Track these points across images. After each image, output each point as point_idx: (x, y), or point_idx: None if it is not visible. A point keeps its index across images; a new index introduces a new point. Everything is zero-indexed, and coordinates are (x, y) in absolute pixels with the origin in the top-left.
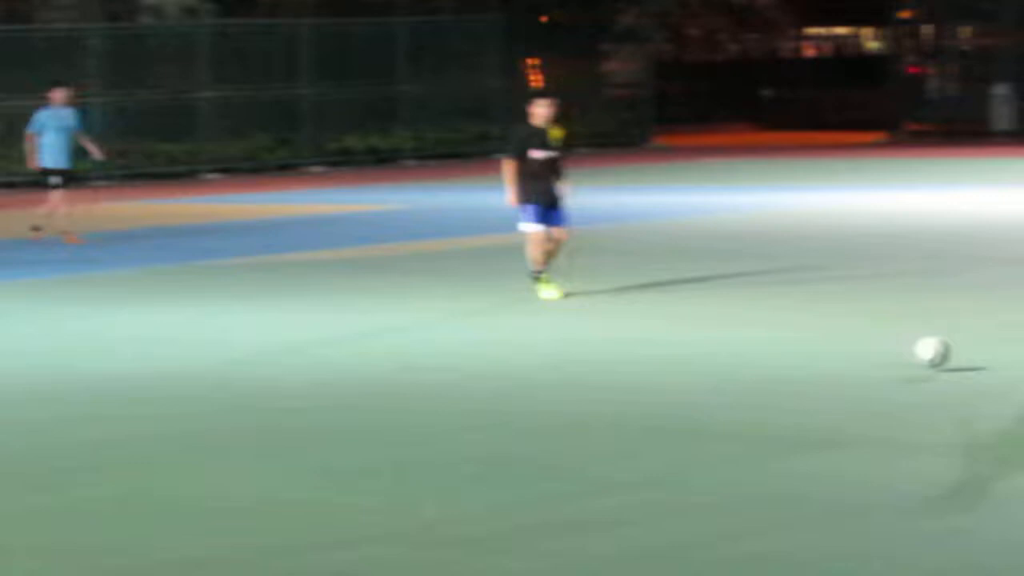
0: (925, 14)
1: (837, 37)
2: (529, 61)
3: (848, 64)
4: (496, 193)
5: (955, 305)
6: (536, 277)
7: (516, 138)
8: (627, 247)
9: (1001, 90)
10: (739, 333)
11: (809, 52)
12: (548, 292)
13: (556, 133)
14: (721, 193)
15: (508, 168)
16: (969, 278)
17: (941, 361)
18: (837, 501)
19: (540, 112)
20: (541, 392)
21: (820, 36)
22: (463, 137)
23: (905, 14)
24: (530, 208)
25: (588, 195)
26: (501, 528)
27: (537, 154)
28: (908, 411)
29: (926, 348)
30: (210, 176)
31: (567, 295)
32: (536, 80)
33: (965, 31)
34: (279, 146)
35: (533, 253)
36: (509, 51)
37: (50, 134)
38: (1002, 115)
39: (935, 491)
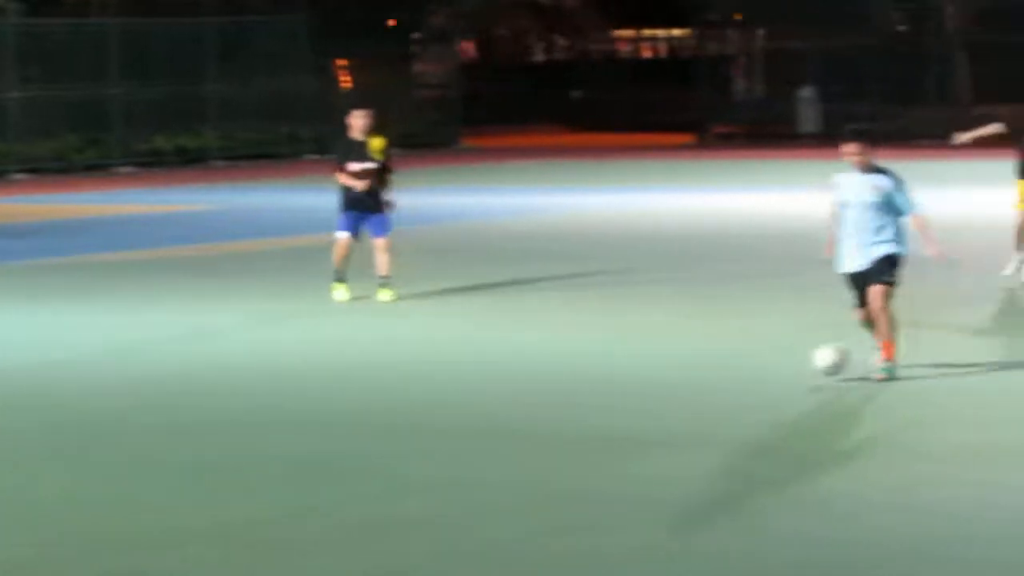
0: (733, 16)
1: (649, 39)
2: (338, 62)
3: (658, 66)
4: (309, 194)
5: (753, 307)
6: (335, 279)
7: (337, 151)
8: (439, 248)
9: (807, 92)
10: (546, 334)
11: (621, 53)
12: (339, 293)
13: (376, 144)
14: (530, 195)
15: (339, 178)
16: (775, 279)
17: (836, 371)
18: (644, 498)
19: (356, 124)
20: (352, 392)
21: (632, 38)
22: (273, 138)
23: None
24: (343, 216)
25: (398, 197)
26: (310, 528)
27: (355, 166)
28: (712, 409)
29: (824, 356)
30: (18, 176)
31: (398, 299)
32: (345, 81)
33: (771, 33)
34: (88, 146)
35: (335, 257)
36: (318, 51)
37: None
38: (808, 117)
39: (736, 486)
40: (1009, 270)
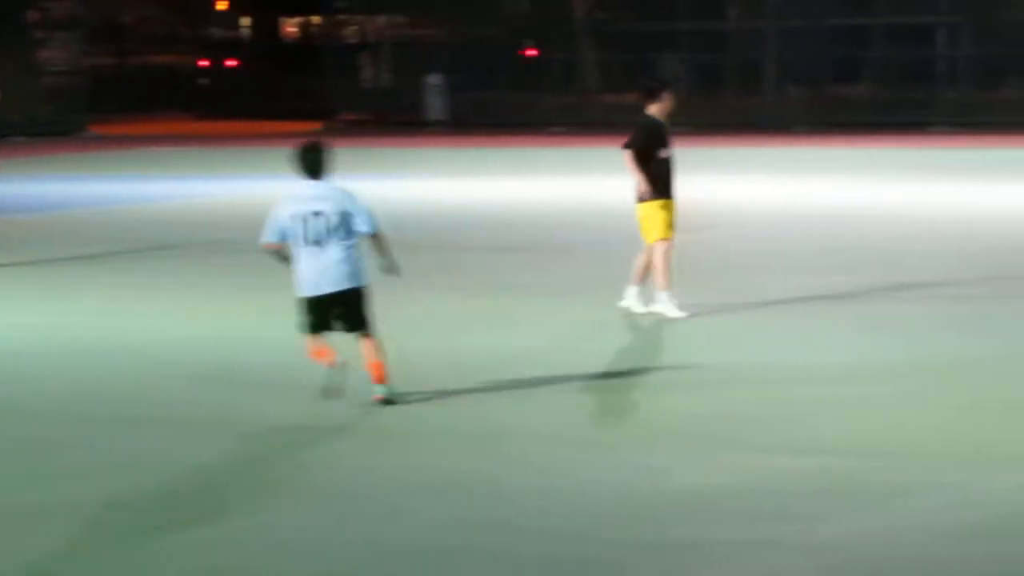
0: (362, 3)
1: (275, 25)
2: None
3: (289, 53)
4: None
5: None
6: None
7: None
8: (58, 235)
9: (434, 80)
10: (151, 320)
11: (248, 40)
12: None
13: None
14: (156, 182)
15: None
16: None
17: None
18: (307, 483)
19: None
20: None
21: (260, 25)
22: None
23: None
24: None
25: (21, 184)
26: None
27: None
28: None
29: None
30: None
31: None
32: None
33: (401, 21)
34: None
35: None
36: None
37: None
38: (435, 105)
39: (430, 476)
40: (628, 302)
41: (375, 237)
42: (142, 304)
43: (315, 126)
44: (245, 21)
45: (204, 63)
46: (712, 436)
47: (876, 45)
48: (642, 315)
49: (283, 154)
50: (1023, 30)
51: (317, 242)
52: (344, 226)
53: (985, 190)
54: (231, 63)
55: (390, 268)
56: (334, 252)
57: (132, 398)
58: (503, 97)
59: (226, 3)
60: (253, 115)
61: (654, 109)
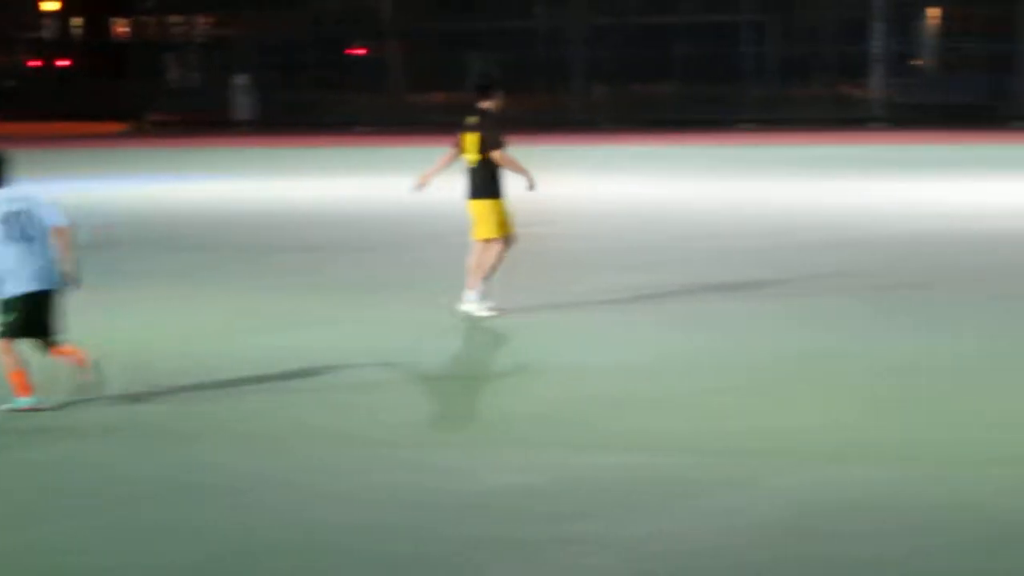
0: (168, 3)
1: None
2: None
3: (94, 53)
4: None
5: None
6: None
7: None
8: None
9: (241, 80)
10: None
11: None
12: None
13: None
14: None
15: None
16: (225, 270)
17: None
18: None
19: None
20: None
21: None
22: None
23: None
24: None
25: None
26: None
27: None
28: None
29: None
30: None
31: None
32: None
33: (207, 20)
34: None
35: None
36: None
37: None
38: (243, 105)
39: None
40: (469, 306)
41: (61, 234)
42: None
43: (120, 127)
44: (76, 21)
45: (35, 63)
46: (521, 436)
47: (681, 43)
48: (483, 317)
49: (85, 156)
50: (827, 28)
51: (22, 240)
52: (38, 226)
53: (791, 186)
54: (63, 63)
55: (68, 276)
56: (39, 251)
57: None
58: (310, 97)
59: (59, 3)
60: (63, 116)
61: (487, 105)
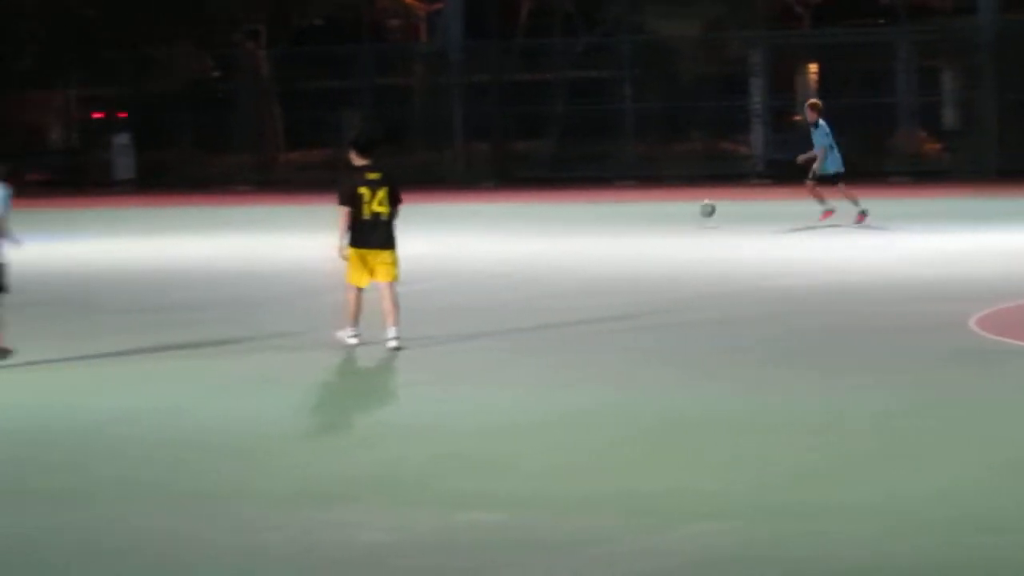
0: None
1: None
2: None
3: None
4: None
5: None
6: None
7: None
8: None
9: (122, 139)
10: None
11: None
12: None
13: None
14: None
15: None
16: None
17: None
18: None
19: None
20: None
21: None
22: None
23: None
24: None
25: None
26: None
27: None
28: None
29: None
30: None
31: None
32: None
33: (86, 81)
34: None
35: None
36: None
37: None
38: (123, 164)
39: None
40: (345, 337)
41: None
42: None
43: None
44: None
45: None
46: (389, 491)
47: (558, 100)
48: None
49: None
50: (704, 83)
51: None
52: None
53: (668, 241)
54: None
55: None
56: None
57: None
58: (187, 156)
59: None
60: None
61: (362, 162)
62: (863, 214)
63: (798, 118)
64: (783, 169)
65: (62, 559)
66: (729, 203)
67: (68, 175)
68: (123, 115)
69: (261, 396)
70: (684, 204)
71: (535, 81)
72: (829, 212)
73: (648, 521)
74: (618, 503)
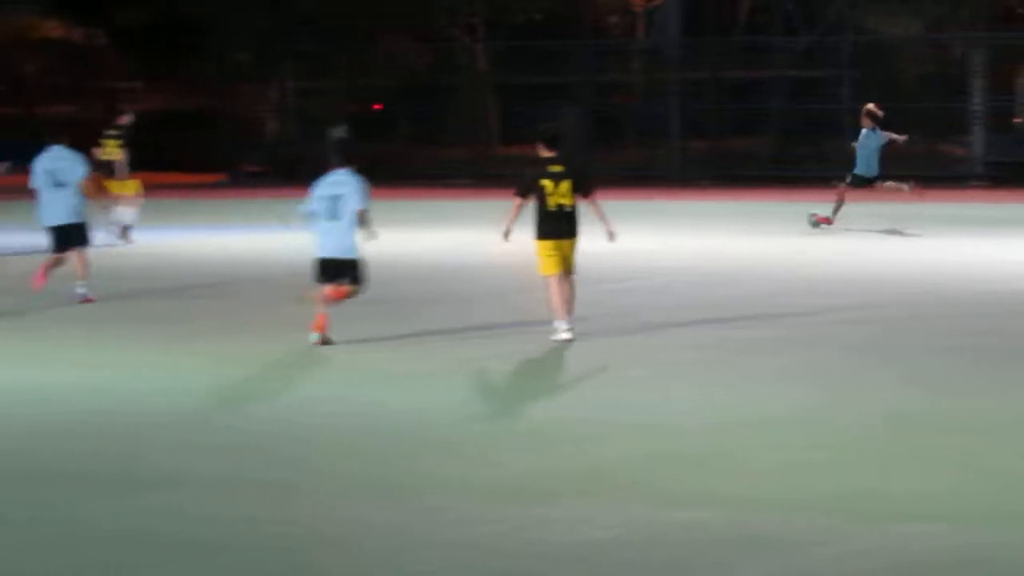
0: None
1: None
2: None
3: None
4: None
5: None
6: None
7: None
8: None
9: (339, 132)
10: (48, 373)
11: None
12: None
13: None
14: None
15: None
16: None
17: None
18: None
19: None
20: None
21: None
22: None
23: None
24: None
25: None
26: None
27: None
28: (235, 450)
29: None
30: None
31: None
32: None
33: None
34: None
35: None
36: None
37: None
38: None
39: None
40: (560, 331)
41: None
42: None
43: (217, 177)
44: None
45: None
46: (608, 487)
47: (776, 97)
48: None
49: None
50: (924, 83)
51: None
52: None
53: (879, 243)
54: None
55: None
56: None
57: None
58: (402, 149)
59: None
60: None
61: (549, 155)
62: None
63: (1018, 120)
64: (1002, 171)
65: (287, 545)
66: (946, 205)
67: (283, 166)
68: (378, 107)
69: (467, 389)
70: (903, 206)
71: (753, 79)
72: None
73: (866, 521)
74: (839, 502)
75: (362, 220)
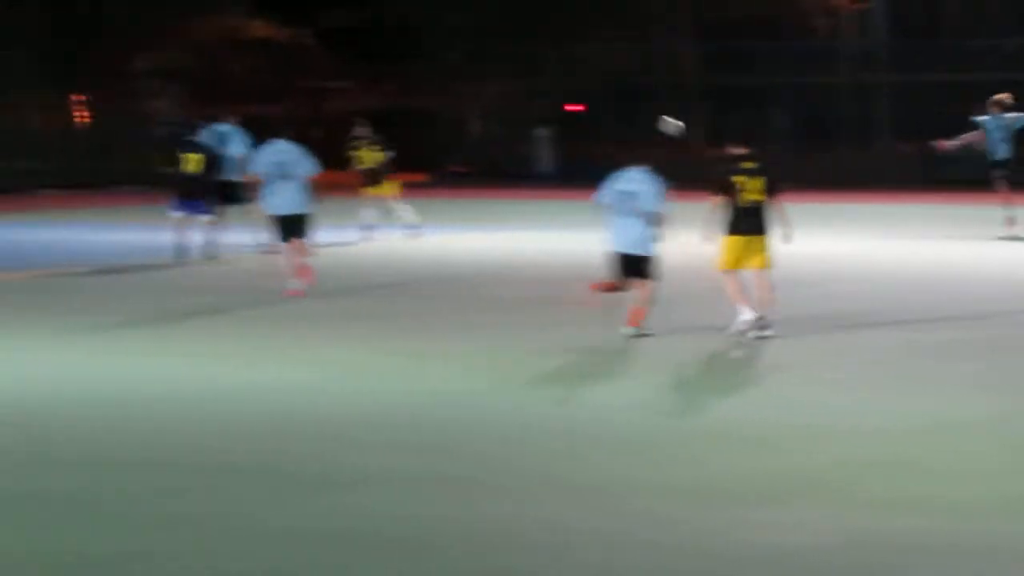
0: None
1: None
2: (74, 97)
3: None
4: (40, 229)
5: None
6: None
7: None
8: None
9: (543, 132)
10: (244, 373)
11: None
12: None
13: None
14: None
15: None
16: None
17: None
18: (375, 533)
19: None
20: (74, 429)
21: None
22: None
23: None
24: None
25: (135, 233)
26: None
27: None
28: (428, 446)
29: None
30: None
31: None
32: (82, 116)
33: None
34: None
35: None
36: (50, 86)
37: None
38: (544, 158)
39: (479, 524)
40: (743, 318)
41: None
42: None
43: (421, 177)
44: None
45: None
46: (817, 491)
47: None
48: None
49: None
50: None
51: None
52: None
53: None
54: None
55: None
56: None
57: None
58: (607, 150)
59: None
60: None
61: (740, 152)
62: None
63: None
64: None
65: (490, 545)
66: None
67: (488, 167)
68: (580, 108)
69: (645, 387)
70: None
71: (962, 81)
72: None
73: None
74: None
75: (657, 221)
